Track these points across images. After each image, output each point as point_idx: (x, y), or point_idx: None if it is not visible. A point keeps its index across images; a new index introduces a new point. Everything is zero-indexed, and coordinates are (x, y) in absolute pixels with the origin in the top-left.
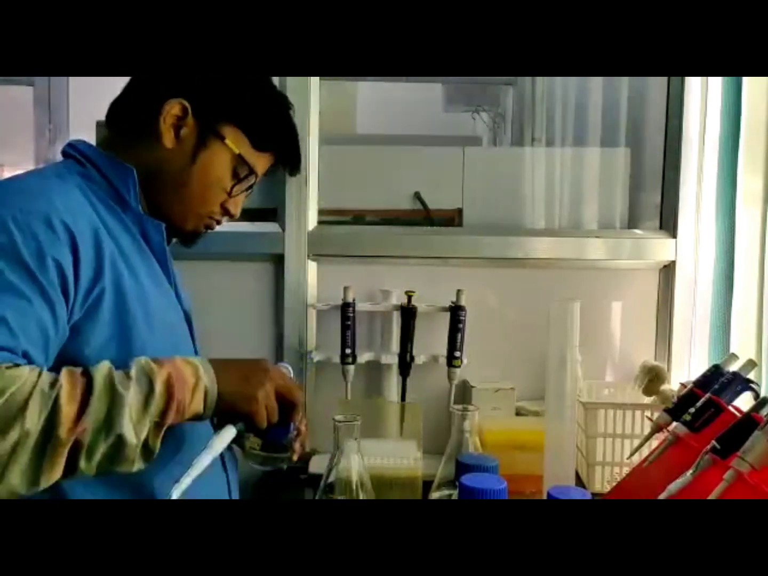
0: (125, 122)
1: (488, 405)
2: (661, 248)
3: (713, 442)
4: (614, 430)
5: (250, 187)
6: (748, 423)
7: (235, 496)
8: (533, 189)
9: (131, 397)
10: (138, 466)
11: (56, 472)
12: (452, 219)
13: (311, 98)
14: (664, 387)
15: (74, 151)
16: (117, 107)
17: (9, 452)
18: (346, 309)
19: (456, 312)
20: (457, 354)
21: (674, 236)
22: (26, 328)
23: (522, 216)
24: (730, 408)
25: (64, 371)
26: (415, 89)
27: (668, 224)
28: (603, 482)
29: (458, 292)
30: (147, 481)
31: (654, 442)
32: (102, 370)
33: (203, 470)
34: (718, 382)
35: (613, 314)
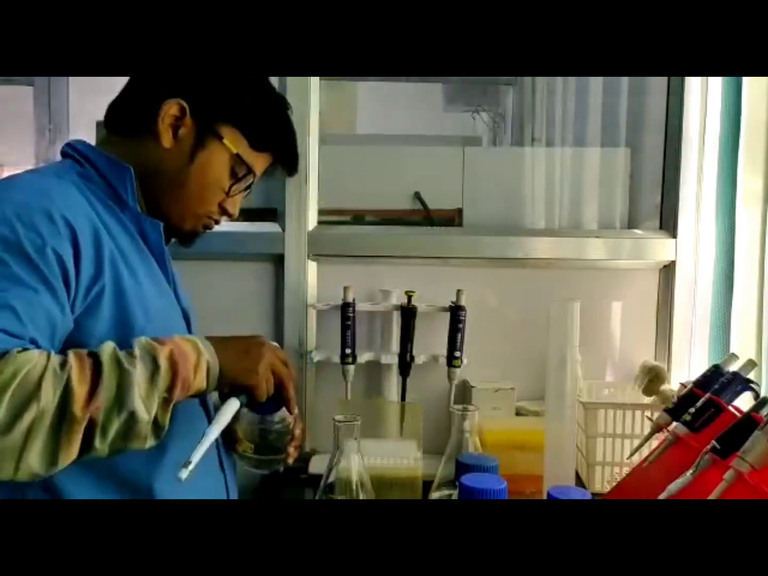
0: (124, 122)
1: (488, 405)
2: (661, 248)
3: (713, 442)
4: (614, 430)
5: (248, 186)
6: (748, 423)
7: (234, 496)
8: (533, 189)
9: (138, 374)
10: (150, 442)
11: (73, 451)
12: (452, 219)
13: (311, 98)
14: (664, 387)
15: (73, 151)
16: (116, 107)
17: (26, 432)
18: (346, 309)
19: (456, 312)
20: (457, 354)
21: (674, 236)
22: (34, 317)
23: (522, 216)
24: (730, 408)
25: (71, 353)
26: (415, 89)
27: (668, 224)
28: (603, 482)
29: (458, 292)
30: (147, 482)
31: (654, 442)
32: (107, 350)
33: (211, 445)
34: (718, 382)
35: (613, 314)
